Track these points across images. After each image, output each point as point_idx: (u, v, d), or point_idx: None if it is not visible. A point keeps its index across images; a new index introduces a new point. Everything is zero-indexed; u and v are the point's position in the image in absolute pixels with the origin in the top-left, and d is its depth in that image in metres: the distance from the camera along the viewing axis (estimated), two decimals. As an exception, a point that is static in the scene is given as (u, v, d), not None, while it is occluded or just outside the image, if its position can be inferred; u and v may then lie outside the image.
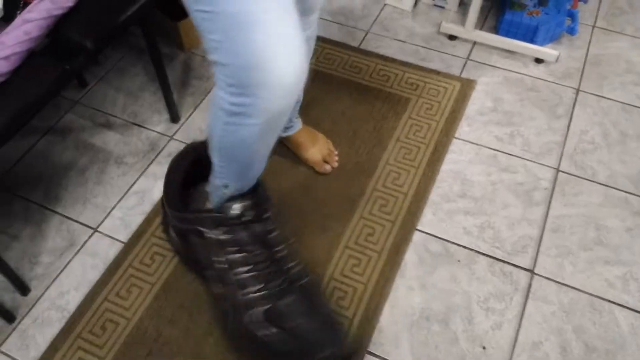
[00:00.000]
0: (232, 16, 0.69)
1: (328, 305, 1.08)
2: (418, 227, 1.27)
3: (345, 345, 1.02)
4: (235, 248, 0.96)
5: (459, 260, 1.22)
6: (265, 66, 0.71)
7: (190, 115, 1.50)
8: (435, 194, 1.33)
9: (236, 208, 0.95)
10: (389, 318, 1.14)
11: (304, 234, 1.26)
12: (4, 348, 1.12)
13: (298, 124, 1.34)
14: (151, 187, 1.35)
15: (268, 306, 0.96)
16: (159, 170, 1.38)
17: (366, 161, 1.39)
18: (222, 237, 0.97)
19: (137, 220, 1.29)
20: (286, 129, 1.32)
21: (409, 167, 1.37)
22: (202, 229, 1.00)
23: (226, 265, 0.98)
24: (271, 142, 0.89)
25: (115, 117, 1.51)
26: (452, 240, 1.25)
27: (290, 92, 0.76)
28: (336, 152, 1.38)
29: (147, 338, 1.11)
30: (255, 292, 0.96)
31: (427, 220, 1.28)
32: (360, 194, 1.33)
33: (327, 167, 1.35)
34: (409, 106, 1.50)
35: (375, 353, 1.09)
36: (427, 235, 1.26)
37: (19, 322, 1.15)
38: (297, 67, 0.74)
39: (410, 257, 1.23)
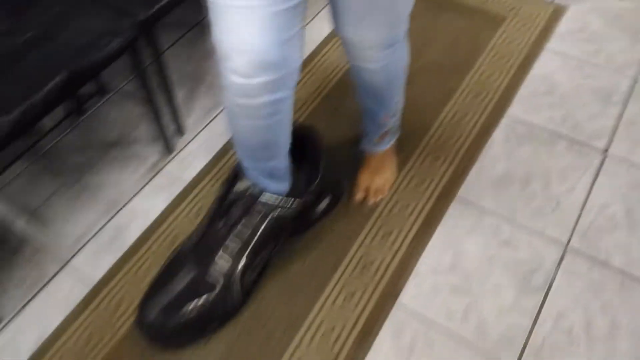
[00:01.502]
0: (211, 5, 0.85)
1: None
2: (507, 114, 1.47)
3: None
4: (218, 203, 1.14)
5: (540, 140, 1.41)
6: (221, 47, 0.87)
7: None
8: (523, 90, 1.52)
9: (240, 184, 1.11)
10: (475, 176, 1.35)
11: (403, 113, 1.49)
12: (165, 170, 1.42)
13: (378, 147, 1.29)
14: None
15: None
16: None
17: (463, 62, 1.60)
18: (221, 189, 1.15)
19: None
20: (368, 143, 1.29)
21: (501, 69, 1.57)
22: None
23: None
24: (253, 130, 0.99)
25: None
26: (536, 124, 1.44)
27: (250, 74, 0.87)
28: (383, 197, 1.32)
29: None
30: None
31: (515, 109, 1.48)
32: (456, 88, 1.54)
33: (359, 196, 1.31)
34: (504, 23, 1.70)
35: (464, 199, 1.31)
36: (514, 121, 1.46)
37: (177, 154, 1.45)
38: (246, 54, 0.85)
39: (498, 135, 1.43)
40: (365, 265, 1.21)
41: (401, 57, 1.09)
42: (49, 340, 1.13)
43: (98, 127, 1.53)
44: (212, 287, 1.10)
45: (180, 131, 1.50)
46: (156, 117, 1.41)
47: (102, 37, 1.15)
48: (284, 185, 1.13)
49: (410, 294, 1.17)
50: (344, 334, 1.11)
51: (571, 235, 1.24)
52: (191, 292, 1.09)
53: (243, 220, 1.10)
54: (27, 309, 1.19)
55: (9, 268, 1.26)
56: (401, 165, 1.37)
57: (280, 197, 1.11)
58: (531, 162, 1.37)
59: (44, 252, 1.28)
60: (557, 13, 1.72)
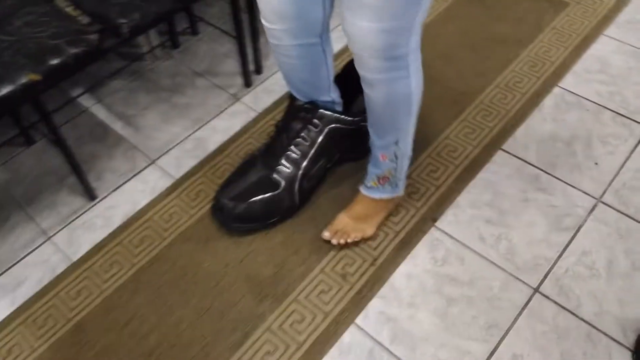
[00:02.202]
0: None
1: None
2: (559, 85, 1.59)
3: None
4: (283, 117, 1.32)
5: (587, 110, 1.52)
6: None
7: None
8: (578, 66, 1.63)
9: (297, 102, 1.26)
10: (523, 133, 1.47)
11: (459, 77, 1.63)
12: (242, 100, 1.61)
13: (371, 192, 1.25)
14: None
15: None
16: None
17: (524, 37, 1.72)
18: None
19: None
20: (364, 182, 1.27)
21: (560, 46, 1.69)
22: None
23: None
24: (290, 67, 1.17)
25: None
26: (585, 97, 1.55)
27: (271, 20, 1.07)
28: (347, 242, 1.25)
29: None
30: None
31: (567, 81, 1.59)
32: (515, 58, 1.67)
33: (326, 235, 1.26)
34: (567, 8, 1.81)
35: (508, 151, 1.44)
36: (565, 91, 1.57)
37: (254, 88, 1.64)
38: (266, 5, 1.04)
39: (548, 101, 1.55)
40: (410, 193, 1.35)
41: (405, 82, 1.02)
42: (135, 216, 1.33)
43: (189, 59, 1.74)
44: (276, 187, 1.27)
45: (258, 70, 1.69)
46: (241, 55, 1.60)
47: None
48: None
49: (448, 220, 1.30)
50: (385, 242, 1.26)
51: (605, 191, 1.34)
52: (259, 187, 1.27)
53: (302, 133, 1.27)
54: (119, 191, 1.40)
55: (106, 159, 1.47)
56: (455, 115, 1.51)
57: (335, 112, 1.26)
58: (576, 127, 1.48)
59: (135, 151, 1.49)
60: (619, 4, 1.82)
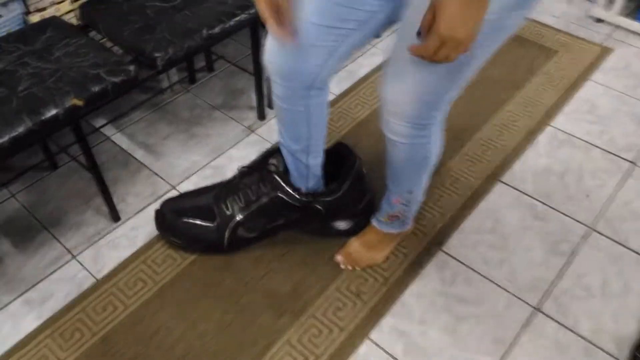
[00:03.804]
0: None
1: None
2: (551, 124, 1.72)
3: None
4: (253, 162, 1.36)
5: (578, 147, 1.64)
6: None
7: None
8: (568, 108, 1.77)
9: (271, 159, 1.31)
10: (519, 167, 1.59)
11: (458, 114, 1.76)
12: (257, 131, 1.72)
13: (382, 226, 1.33)
14: (358, 69, 1.93)
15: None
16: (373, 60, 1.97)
17: (517, 81, 1.87)
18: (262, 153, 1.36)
19: (346, 85, 1.88)
20: (376, 216, 1.34)
21: (551, 88, 1.83)
22: None
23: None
24: (285, 105, 1.16)
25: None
26: (575, 135, 1.68)
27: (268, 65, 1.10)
28: (357, 269, 1.35)
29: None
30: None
31: (559, 121, 1.73)
32: (509, 99, 1.80)
33: (339, 259, 1.36)
34: (556, 55, 1.97)
35: (506, 182, 1.55)
36: (557, 130, 1.70)
37: (267, 121, 1.75)
38: (267, 54, 1.08)
39: (542, 138, 1.67)
40: (418, 219, 1.44)
41: (425, 147, 1.10)
42: (158, 236, 1.40)
43: (206, 94, 1.85)
44: (212, 219, 1.33)
45: (271, 105, 1.80)
46: (258, 90, 1.72)
47: (235, 10, 1.47)
48: (302, 183, 1.31)
49: (454, 245, 1.39)
50: (396, 265, 1.34)
51: (597, 219, 1.45)
52: (198, 212, 1.35)
53: (253, 186, 1.32)
54: (142, 213, 1.47)
55: (129, 184, 1.55)
56: (456, 149, 1.63)
57: (286, 185, 1.29)
58: (568, 162, 1.60)
59: (156, 177, 1.58)
60: (604, 53, 1.98)
